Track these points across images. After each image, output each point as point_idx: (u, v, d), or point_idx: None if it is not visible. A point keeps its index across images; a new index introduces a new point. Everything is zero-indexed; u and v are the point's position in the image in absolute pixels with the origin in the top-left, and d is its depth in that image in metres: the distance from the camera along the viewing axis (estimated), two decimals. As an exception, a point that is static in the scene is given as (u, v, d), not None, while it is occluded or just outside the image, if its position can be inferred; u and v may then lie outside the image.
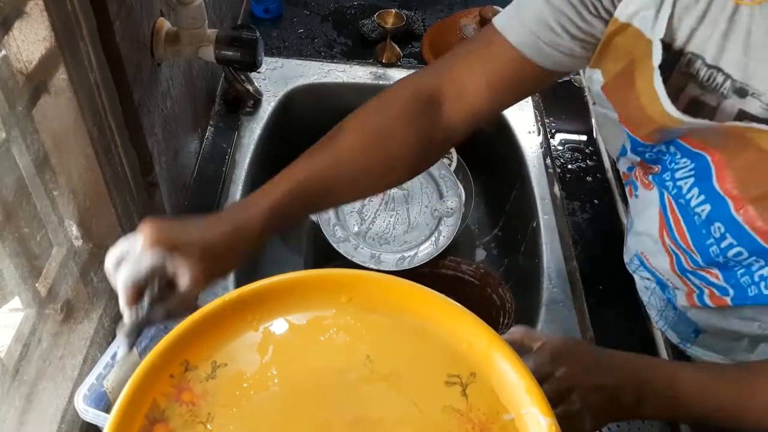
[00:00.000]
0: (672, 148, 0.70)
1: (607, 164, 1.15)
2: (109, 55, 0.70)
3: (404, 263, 1.03)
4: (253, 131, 1.16)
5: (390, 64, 1.30)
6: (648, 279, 0.84)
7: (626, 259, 0.87)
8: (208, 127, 1.15)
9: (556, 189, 1.11)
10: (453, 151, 1.25)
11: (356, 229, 1.06)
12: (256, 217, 0.65)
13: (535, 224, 1.08)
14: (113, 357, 0.74)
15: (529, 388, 0.57)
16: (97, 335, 0.77)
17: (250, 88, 1.18)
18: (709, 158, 0.66)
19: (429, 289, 0.64)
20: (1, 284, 0.67)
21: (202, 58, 0.88)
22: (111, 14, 0.69)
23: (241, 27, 0.90)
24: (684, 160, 0.69)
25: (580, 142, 1.20)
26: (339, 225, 1.06)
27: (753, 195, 0.64)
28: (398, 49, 1.31)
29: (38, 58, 0.64)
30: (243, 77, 1.17)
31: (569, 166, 1.15)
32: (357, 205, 1.08)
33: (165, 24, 0.85)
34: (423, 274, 1.04)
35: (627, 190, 0.82)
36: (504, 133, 1.23)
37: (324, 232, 1.05)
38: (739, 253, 0.67)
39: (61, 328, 0.76)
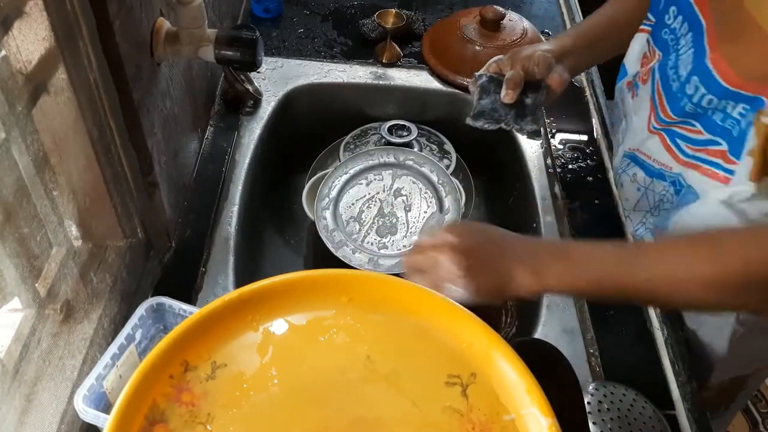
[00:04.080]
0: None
1: (608, 164, 1.15)
2: (108, 55, 0.70)
3: (402, 267, 1.03)
4: (253, 131, 1.16)
5: (390, 64, 1.29)
6: (637, 178, 0.96)
7: (615, 166, 1.03)
8: (208, 127, 1.15)
9: (557, 189, 1.11)
10: (452, 151, 1.25)
11: (354, 234, 1.06)
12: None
13: (535, 224, 1.07)
14: (113, 357, 0.74)
15: (530, 389, 0.57)
16: (96, 335, 0.77)
17: (250, 88, 1.18)
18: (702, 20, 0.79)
19: (429, 289, 0.64)
20: (1, 284, 0.67)
21: (201, 58, 0.88)
22: (111, 14, 0.69)
23: (241, 27, 0.90)
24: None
25: (580, 142, 1.20)
26: (337, 230, 1.06)
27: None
28: (398, 49, 1.31)
29: (38, 58, 0.64)
30: (243, 77, 1.17)
31: (569, 166, 1.15)
32: (356, 210, 1.08)
33: (165, 24, 0.85)
34: (423, 274, 1.03)
35: (630, 94, 0.97)
36: (504, 133, 1.23)
37: (322, 237, 1.05)
38: (711, 100, 0.77)
39: (60, 328, 0.76)
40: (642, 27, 0.95)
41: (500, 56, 0.92)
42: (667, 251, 0.68)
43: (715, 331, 0.93)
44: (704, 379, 0.99)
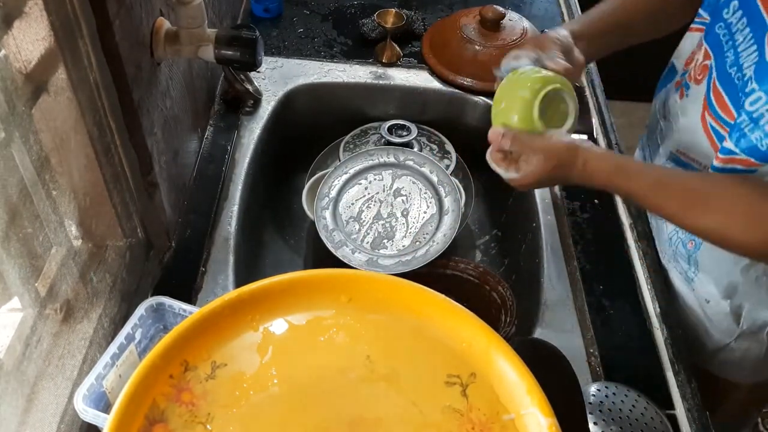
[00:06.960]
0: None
1: (608, 164, 1.15)
2: (108, 55, 0.70)
3: (402, 267, 1.03)
4: (252, 131, 1.16)
5: (390, 64, 1.29)
6: None
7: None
8: (208, 127, 1.15)
9: (556, 189, 1.11)
10: (452, 151, 1.24)
11: (354, 234, 1.06)
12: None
13: (535, 224, 1.07)
14: (113, 357, 0.74)
15: (530, 389, 0.57)
16: (96, 335, 0.77)
17: (250, 88, 1.18)
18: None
19: (429, 289, 0.64)
20: (1, 284, 0.67)
21: (201, 57, 0.88)
22: (110, 14, 0.69)
23: (241, 26, 0.90)
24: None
25: (580, 141, 1.20)
26: (337, 230, 1.06)
27: None
28: (398, 48, 1.31)
29: (38, 57, 0.64)
30: (243, 77, 1.17)
31: (569, 166, 1.15)
32: (355, 210, 1.08)
33: (164, 23, 0.85)
34: (423, 274, 1.03)
35: (678, 94, 0.94)
36: (504, 132, 1.23)
37: (322, 237, 1.05)
38: (759, 98, 0.75)
39: (60, 328, 0.76)
40: (694, 26, 0.92)
41: (515, 51, 0.87)
42: (659, 192, 0.78)
43: (752, 334, 0.93)
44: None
